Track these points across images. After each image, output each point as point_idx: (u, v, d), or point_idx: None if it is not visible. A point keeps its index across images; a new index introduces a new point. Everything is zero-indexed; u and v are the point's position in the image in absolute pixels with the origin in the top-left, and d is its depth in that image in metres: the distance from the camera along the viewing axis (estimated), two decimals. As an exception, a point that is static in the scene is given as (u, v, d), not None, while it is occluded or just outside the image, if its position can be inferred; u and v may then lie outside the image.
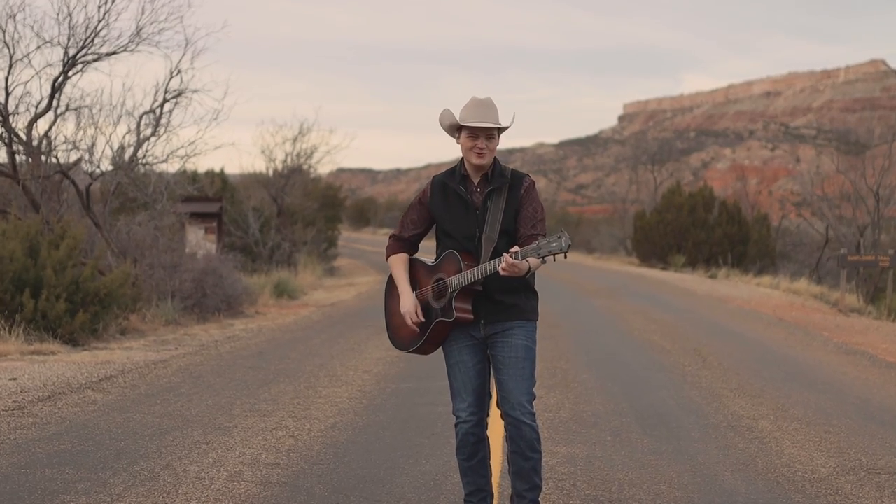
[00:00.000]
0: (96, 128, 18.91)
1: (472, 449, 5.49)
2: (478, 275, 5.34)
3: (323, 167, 54.63)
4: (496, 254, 5.39)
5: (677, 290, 28.44)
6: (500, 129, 5.55)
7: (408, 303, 5.57)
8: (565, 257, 5.09)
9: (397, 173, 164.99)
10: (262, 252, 32.07)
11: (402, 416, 8.78)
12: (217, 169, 37.91)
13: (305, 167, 36.78)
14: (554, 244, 5.05)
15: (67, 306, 14.29)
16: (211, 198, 27.09)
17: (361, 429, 8.19)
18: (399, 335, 5.70)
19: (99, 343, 14.48)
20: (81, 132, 19.47)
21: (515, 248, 5.17)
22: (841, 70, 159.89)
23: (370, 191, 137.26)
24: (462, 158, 5.65)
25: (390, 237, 5.77)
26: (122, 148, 19.89)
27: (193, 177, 35.02)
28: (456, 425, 5.50)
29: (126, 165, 18.76)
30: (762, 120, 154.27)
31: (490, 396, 5.60)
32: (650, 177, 56.89)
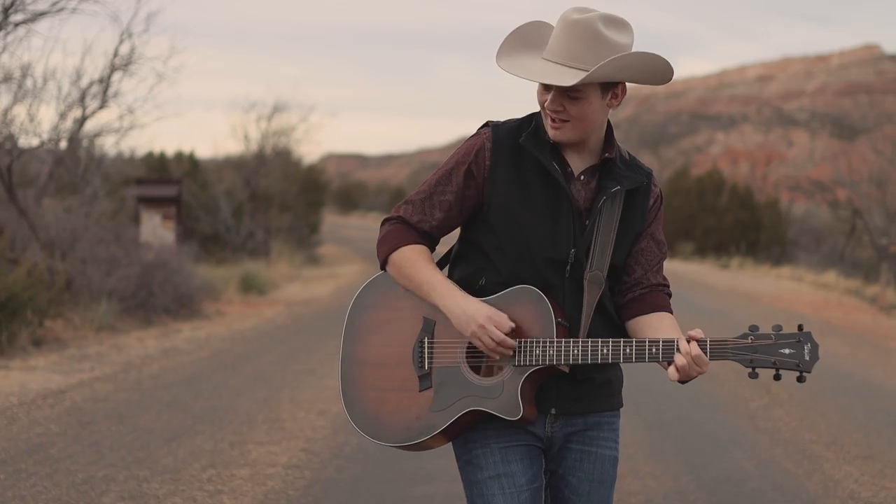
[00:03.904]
0: (15, 98, 15.90)
1: None
2: (595, 354, 2.93)
3: (303, 147, 51.62)
4: (600, 313, 3.06)
5: (694, 284, 25.46)
6: (609, 85, 2.99)
7: (477, 307, 2.95)
8: (801, 380, 2.88)
9: (388, 158, 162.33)
10: (235, 240, 29.11)
11: (361, 508, 5.80)
12: (187, 151, 34.88)
13: (283, 147, 33.83)
14: (787, 351, 2.86)
15: (-47, 315, 11.35)
16: (167, 179, 23.97)
17: (291, 541, 5.21)
18: (380, 411, 3.04)
19: (1, 359, 11.52)
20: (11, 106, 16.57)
21: (699, 333, 2.90)
22: (835, 54, 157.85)
23: (361, 175, 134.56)
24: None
25: (390, 221, 3.11)
26: (60, 120, 16.99)
27: (161, 158, 32.14)
28: None
29: (48, 142, 15.75)
30: (756, 104, 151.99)
31: None
32: (653, 160, 54.06)
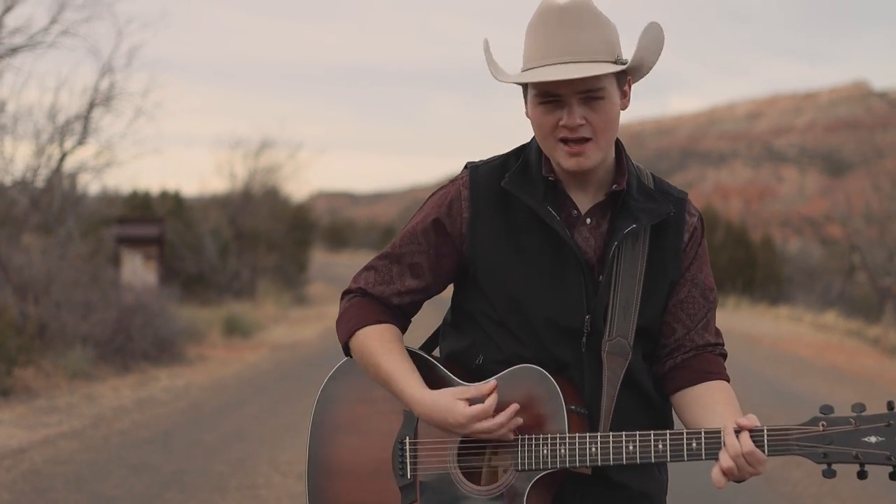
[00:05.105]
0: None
1: None
2: (619, 452, 2.27)
3: (291, 185, 51.08)
4: (631, 391, 2.37)
5: (690, 325, 24.88)
6: (623, 77, 2.38)
7: (448, 400, 2.31)
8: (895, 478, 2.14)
9: (379, 196, 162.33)
10: (221, 280, 28.48)
11: None
12: (171, 189, 34.30)
13: (271, 185, 33.32)
14: (874, 440, 2.14)
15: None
16: (149, 218, 23.35)
17: None
18: None
19: (-34, 411, 10.86)
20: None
21: (752, 421, 2.21)
22: (824, 91, 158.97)
23: (352, 213, 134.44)
24: (534, 140, 2.41)
25: (349, 294, 2.49)
26: (35, 158, 16.43)
27: (145, 196, 31.51)
28: None
29: (20, 182, 15.18)
30: (745, 140, 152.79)
31: None
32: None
